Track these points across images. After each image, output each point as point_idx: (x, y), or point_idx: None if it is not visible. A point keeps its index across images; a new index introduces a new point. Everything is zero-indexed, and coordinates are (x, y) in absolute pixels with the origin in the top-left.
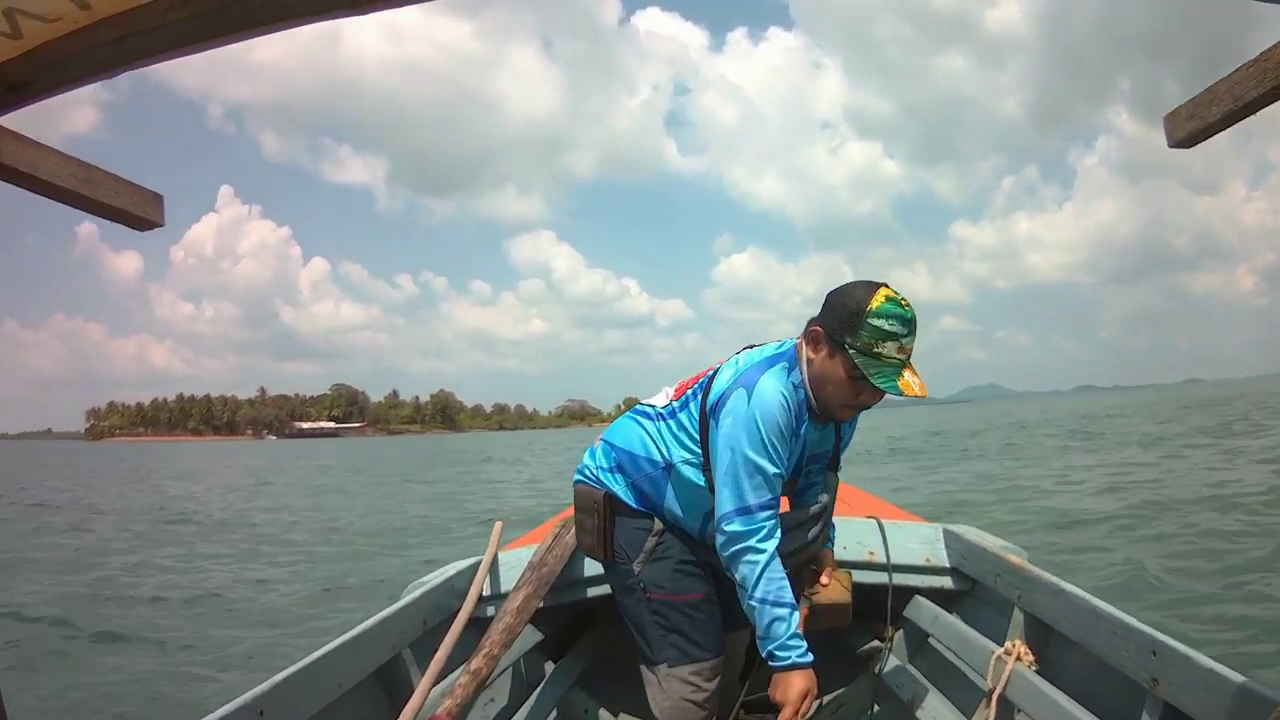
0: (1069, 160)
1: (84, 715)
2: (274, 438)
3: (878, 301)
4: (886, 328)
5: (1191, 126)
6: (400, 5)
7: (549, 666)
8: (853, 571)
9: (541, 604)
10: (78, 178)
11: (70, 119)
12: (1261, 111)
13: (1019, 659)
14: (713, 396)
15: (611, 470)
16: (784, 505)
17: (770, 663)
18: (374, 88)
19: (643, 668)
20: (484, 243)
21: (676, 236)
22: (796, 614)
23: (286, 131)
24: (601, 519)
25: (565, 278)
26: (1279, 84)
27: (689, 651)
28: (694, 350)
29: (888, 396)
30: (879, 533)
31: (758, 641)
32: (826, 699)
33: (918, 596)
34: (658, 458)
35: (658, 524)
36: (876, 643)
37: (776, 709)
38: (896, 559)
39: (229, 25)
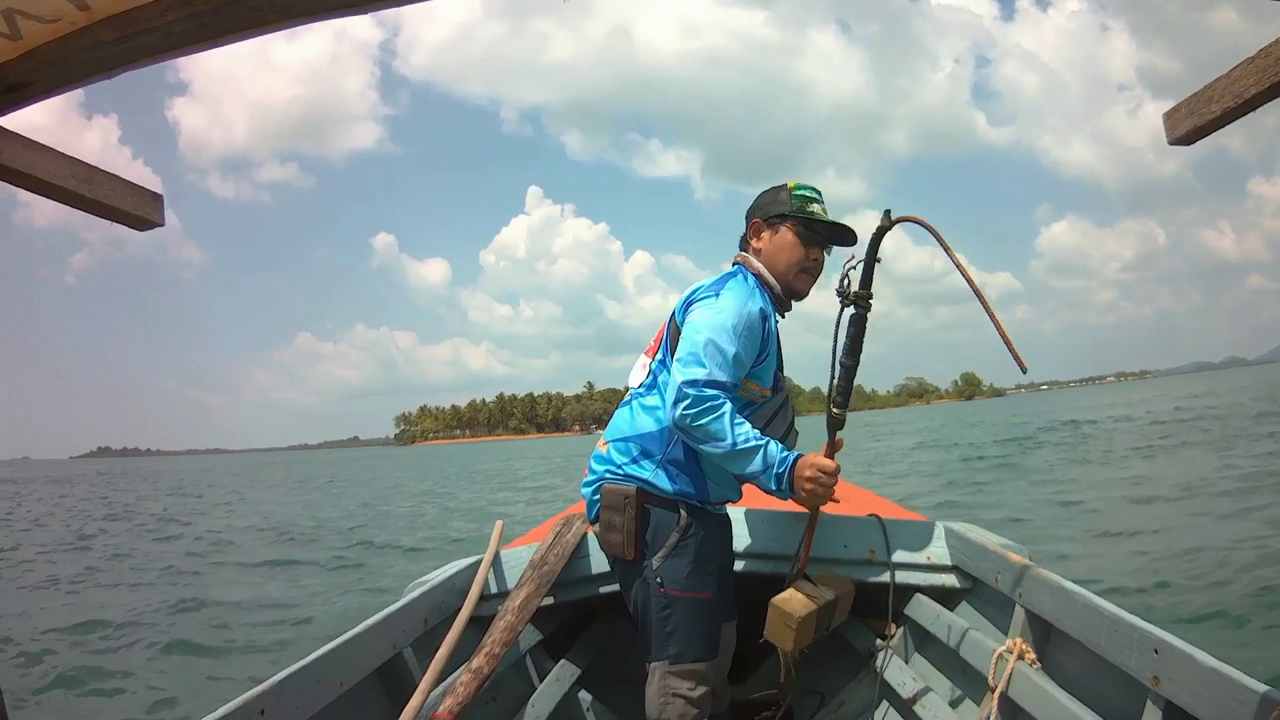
0: None
1: None
2: (601, 431)
3: (791, 184)
4: (808, 194)
5: (1191, 123)
6: (401, 4)
7: (550, 665)
8: (854, 576)
9: (543, 603)
10: (77, 178)
11: (353, 135)
12: None
13: (1020, 657)
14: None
15: (636, 460)
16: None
17: (778, 485)
18: (676, 81)
19: (647, 664)
20: None
21: (996, 208)
22: (772, 441)
23: (590, 130)
24: (632, 515)
25: (892, 256)
26: (1279, 81)
27: (691, 650)
28: (1024, 322)
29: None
30: (880, 531)
31: (759, 481)
32: (828, 698)
33: (919, 595)
34: (670, 425)
35: (684, 516)
36: (878, 641)
37: (777, 708)
38: (898, 557)
39: (228, 26)
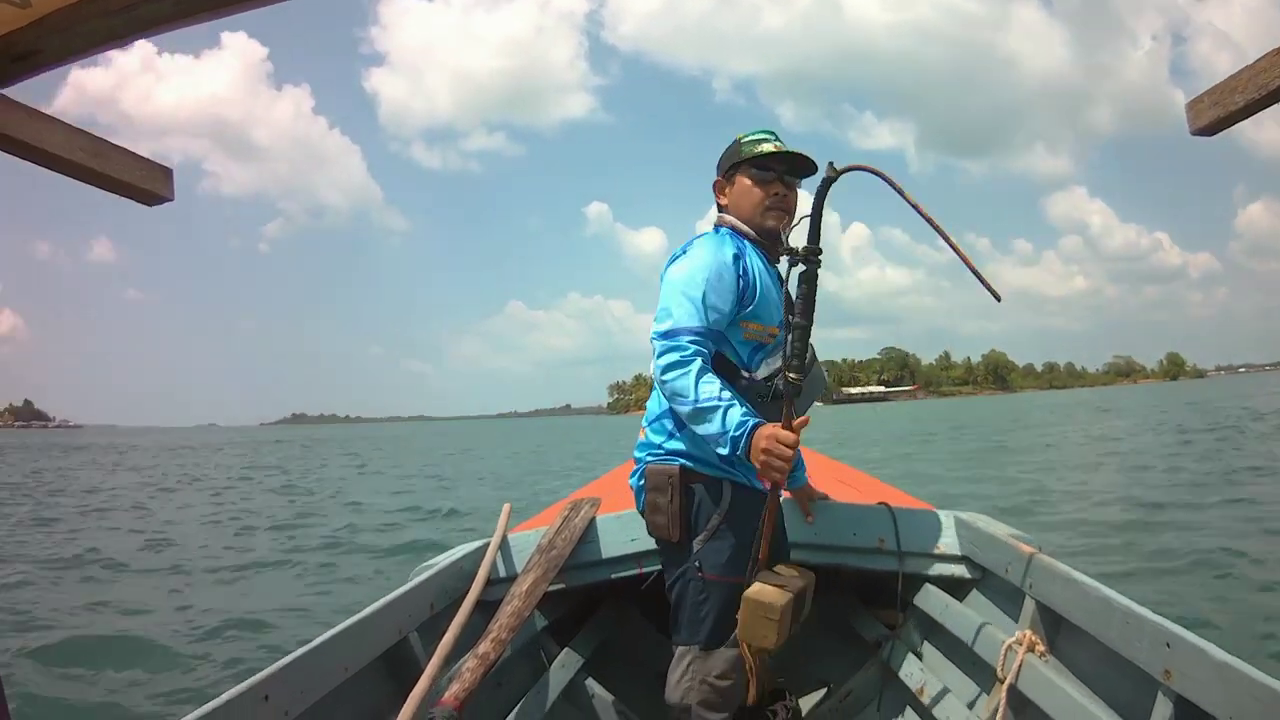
0: None
1: None
2: (820, 404)
3: (741, 136)
4: (759, 137)
5: (1214, 114)
6: None
7: (556, 651)
8: (862, 561)
9: (549, 588)
10: (85, 151)
11: (563, 105)
12: None
13: (1030, 649)
14: None
15: (673, 435)
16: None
17: (733, 451)
18: (885, 53)
19: (675, 646)
20: (1019, 201)
21: (1196, 187)
22: (738, 404)
23: (803, 101)
24: (676, 495)
25: (1100, 233)
26: None
27: (726, 637)
28: (1224, 305)
29: None
30: (890, 519)
31: (715, 443)
32: (834, 687)
33: (928, 584)
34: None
35: (727, 496)
36: (886, 630)
37: (785, 697)
38: (907, 546)
39: None
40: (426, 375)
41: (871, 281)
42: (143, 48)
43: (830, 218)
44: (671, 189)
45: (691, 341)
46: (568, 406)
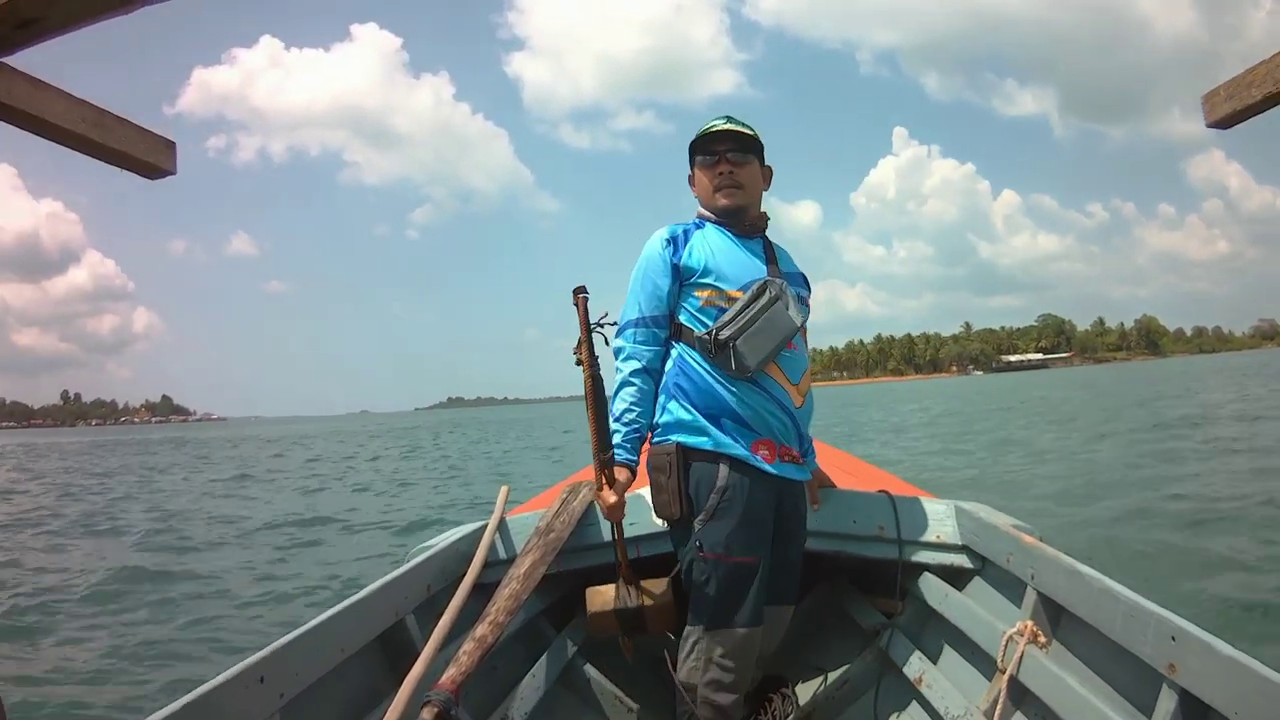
0: None
1: None
2: (979, 373)
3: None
4: (707, 125)
5: (1230, 107)
6: None
7: (553, 635)
8: (861, 549)
9: (547, 571)
10: (88, 121)
11: (709, 81)
12: None
13: (1031, 640)
14: None
15: (669, 412)
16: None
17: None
18: (1022, 18)
19: (686, 627)
20: (1161, 165)
21: None
22: (634, 429)
23: (946, 70)
24: (675, 472)
25: (1238, 196)
26: None
27: (730, 616)
28: None
29: None
30: (890, 507)
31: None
32: (832, 675)
33: (927, 573)
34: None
35: (724, 473)
36: (884, 619)
37: (784, 685)
38: (907, 535)
39: None
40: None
41: (1024, 248)
42: (268, 44)
43: (980, 185)
44: (824, 162)
45: (632, 334)
46: None
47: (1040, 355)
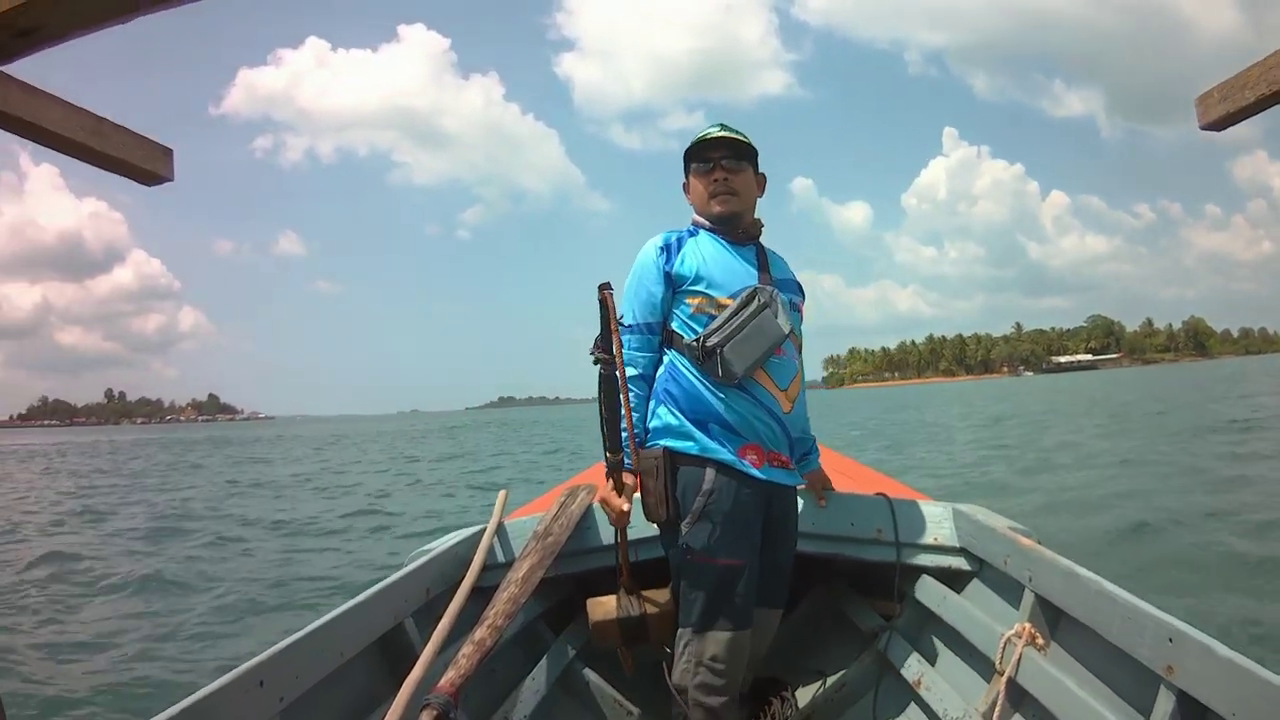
0: None
1: None
2: (1030, 374)
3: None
4: (701, 133)
5: (1224, 109)
6: None
7: (551, 639)
8: (859, 551)
9: (546, 574)
10: (86, 129)
11: (759, 81)
12: None
13: (1030, 642)
14: None
15: (658, 417)
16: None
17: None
18: (1069, 18)
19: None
20: (1206, 166)
21: None
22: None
23: (994, 71)
24: (662, 476)
25: None
26: None
27: (718, 618)
28: None
29: None
30: (888, 510)
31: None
32: (831, 677)
33: (925, 576)
34: (662, 365)
35: (709, 478)
36: (883, 621)
37: (783, 688)
38: (904, 537)
39: None
40: None
41: (1072, 249)
42: (315, 45)
43: (1029, 186)
44: (874, 162)
45: (627, 341)
46: None
47: (1090, 356)
